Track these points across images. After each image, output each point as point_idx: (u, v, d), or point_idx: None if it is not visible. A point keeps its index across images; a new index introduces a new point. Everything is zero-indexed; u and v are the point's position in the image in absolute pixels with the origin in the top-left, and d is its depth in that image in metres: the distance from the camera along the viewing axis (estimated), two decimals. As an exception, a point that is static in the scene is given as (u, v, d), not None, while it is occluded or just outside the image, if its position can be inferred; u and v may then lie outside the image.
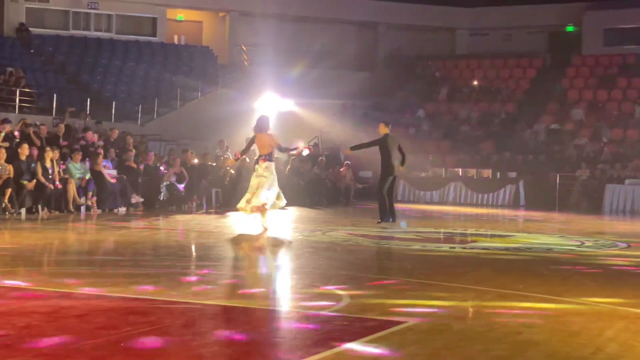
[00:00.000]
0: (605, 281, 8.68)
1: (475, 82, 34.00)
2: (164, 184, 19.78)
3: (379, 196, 15.67)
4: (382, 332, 5.75)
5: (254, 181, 13.16)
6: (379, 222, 15.47)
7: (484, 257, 10.98)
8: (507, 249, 12.15)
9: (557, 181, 25.58)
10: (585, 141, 28.51)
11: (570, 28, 36.26)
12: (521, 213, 22.30)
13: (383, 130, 15.86)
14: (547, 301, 7.24)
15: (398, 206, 23.98)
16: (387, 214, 15.61)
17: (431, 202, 26.49)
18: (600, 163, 26.71)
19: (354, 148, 16.14)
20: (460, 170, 27.37)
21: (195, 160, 21.57)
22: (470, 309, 6.85)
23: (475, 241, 13.41)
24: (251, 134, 14.30)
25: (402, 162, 15.92)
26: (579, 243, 13.18)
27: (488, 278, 8.69)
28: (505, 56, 35.69)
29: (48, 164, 16.94)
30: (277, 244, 12.42)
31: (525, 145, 28.95)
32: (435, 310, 6.67)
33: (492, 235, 14.64)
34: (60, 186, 16.97)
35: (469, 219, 19.42)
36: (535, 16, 36.00)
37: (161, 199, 19.65)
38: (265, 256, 11.05)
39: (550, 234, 15.24)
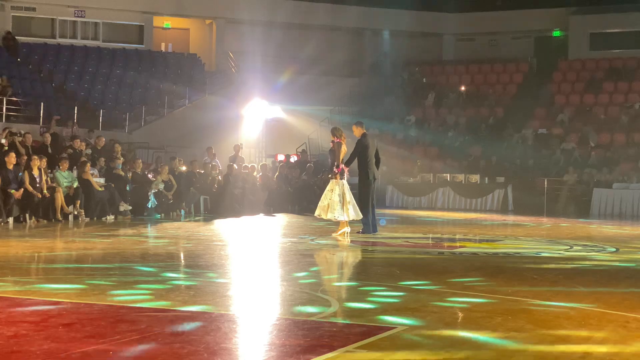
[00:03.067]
0: (594, 285, 8.70)
1: (463, 88, 34.12)
2: (152, 191, 19.74)
3: (364, 208, 14.41)
4: (371, 338, 5.75)
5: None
6: (360, 233, 14.57)
7: (472, 262, 10.99)
8: (495, 253, 12.17)
9: (545, 186, 25.67)
10: (573, 146, 28.64)
11: (556, 33, 36.45)
12: (510, 218, 22.36)
13: (359, 131, 14.80)
14: (536, 305, 7.25)
15: (385, 212, 24.06)
16: (369, 225, 14.58)
17: (420, 208, 26.52)
18: (587, 167, 26.82)
19: (347, 163, 14.52)
20: (448, 175, 27.43)
21: (183, 168, 21.56)
22: (459, 314, 6.85)
23: (463, 246, 13.43)
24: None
25: (377, 166, 14.87)
26: (567, 247, 13.22)
27: (477, 283, 8.70)
28: (492, 61, 35.84)
29: (35, 173, 16.88)
30: (265, 250, 12.42)
31: (513, 150, 29.05)
32: (424, 315, 6.67)
33: (481, 240, 14.66)
34: (48, 195, 16.91)
35: (458, 224, 19.45)
36: (521, 21, 36.18)
37: (149, 206, 19.61)
38: (254, 263, 11.03)
39: (538, 238, 15.28)
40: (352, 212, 14.13)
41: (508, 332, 6.04)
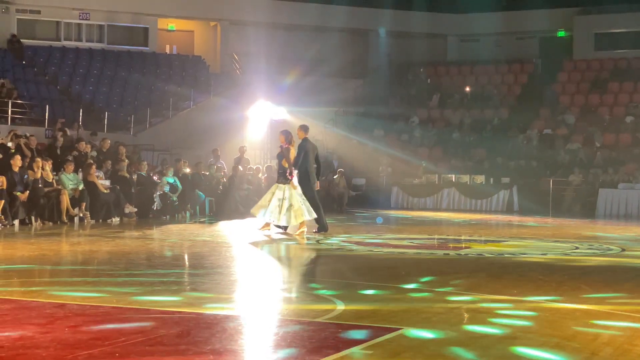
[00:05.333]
0: (600, 285, 8.68)
1: (467, 88, 34.09)
2: (157, 193, 19.76)
3: (315, 205, 14.76)
4: (376, 339, 5.75)
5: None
6: (316, 232, 14.87)
7: (478, 263, 10.98)
8: (501, 254, 12.16)
9: (551, 186, 25.63)
10: (578, 146, 28.59)
11: (561, 33, 36.40)
12: (515, 218, 22.32)
13: (302, 135, 15.17)
14: (542, 306, 7.24)
15: (390, 213, 24.05)
16: (324, 223, 15.04)
17: (425, 209, 26.50)
18: (593, 168, 26.77)
19: (294, 166, 14.68)
20: (453, 176, 27.41)
21: (187, 170, 21.56)
22: (466, 315, 6.84)
23: (469, 247, 13.41)
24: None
25: (317, 173, 15.29)
26: (573, 248, 13.20)
27: (482, 283, 8.69)
28: (497, 62, 35.79)
29: (38, 175, 16.94)
30: (271, 252, 12.42)
31: (518, 151, 29.01)
32: (430, 316, 6.66)
33: (486, 241, 14.65)
34: (53, 188, 16.96)
35: (463, 225, 19.43)
36: (526, 22, 36.14)
37: (155, 208, 19.63)
38: (259, 264, 11.04)
39: (544, 239, 15.25)
40: (303, 212, 14.43)
41: (514, 333, 6.02)
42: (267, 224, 14.74)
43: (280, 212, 14.36)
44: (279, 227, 14.87)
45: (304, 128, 15.37)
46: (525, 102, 32.60)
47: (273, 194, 14.53)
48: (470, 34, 37.64)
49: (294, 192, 14.51)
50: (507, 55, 36.26)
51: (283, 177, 14.56)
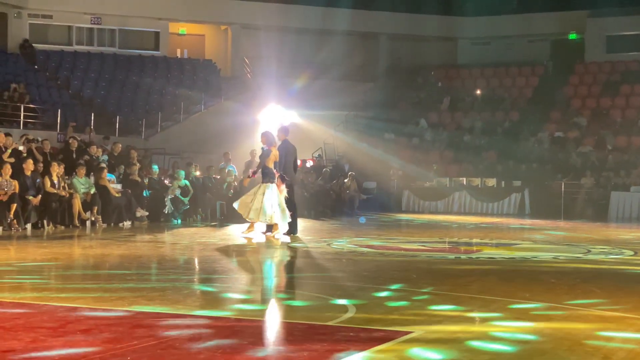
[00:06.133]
0: (612, 289, 8.65)
1: (478, 91, 34.02)
2: (169, 197, 19.80)
3: (292, 207, 14.95)
4: (388, 342, 5.74)
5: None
6: (291, 234, 14.99)
7: (489, 266, 10.95)
8: (512, 257, 12.13)
9: (562, 189, 25.55)
10: (590, 149, 28.49)
11: (572, 36, 36.30)
12: (527, 222, 22.26)
13: (282, 137, 15.35)
14: (554, 309, 7.22)
15: (401, 217, 24.03)
16: (296, 226, 15.21)
17: (436, 212, 26.47)
18: (605, 171, 26.67)
19: (279, 170, 14.84)
20: (464, 179, 27.36)
21: (197, 173, 21.58)
22: (477, 319, 6.83)
23: (480, 250, 13.38)
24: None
25: (294, 174, 15.54)
26: (585, 251, 13.15)
27: (494, 287, 8.67)
28: (508, 65, 35.71)
29: (55, 179, 17.01)
30: (283, 255, 12.42)
31: (530, 154, 28.92)
32: (442, 320, 6.65)
33: (498, 245, 14.61)
34: (66, 195, 17.01)
35: (474, 229, 19.39)
36: (537, 24, 36.05)
37: (166, 212, 19.68)
38: (271, 268, 11.04)
39: (556, 242, 15.20)
40: (277, 217, 14.53)
41: (526, 337, 6.00)
42: (252, 226, 14.74)
43: (273, 212, 14.40)
44: (265, 232, 14.94)
45: (284, 130, 15.59)
46: (537, 105, 32.50)
47: (263, 194, 14.51)
48: (481, 37, 37.58)
49: (275, 193, 14.56)
50: (518, 58, 36.17)
51: (268, 177, 14.57)
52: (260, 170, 14.87)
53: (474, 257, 12.37)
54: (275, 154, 14.75)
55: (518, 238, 16.29)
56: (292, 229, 15.07)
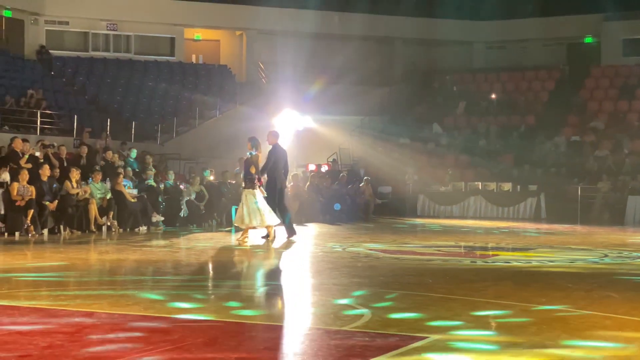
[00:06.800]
0: (630, 294, 8.59)
1: (493, 95, 33.91)
2: (184, 199, 19.86)
3: (284, 212, 15.10)
4: (403, 347, 5.72)
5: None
6: (289, 239, 15.08)
7: (505, 271, 10.91)
8: (529, 262, 12.07)
9: (579, 193, 25.42)
10: (606, 153, 28.32)
11: (588, 39, 36.14)
12: (543, 226, 22.15)
13: (273, 141, 15.41)
14: (571, 314, 7.18)
15: (417, 221, 23.98)
16: (293, 229, 15.27)
17: (451, 217, 26.40)
18: (621, 175, 26.51)
19: (261, 172, 14.96)
20: (480, 184, 27.27)
21: (212, 177, 21.60)
22: (493, 323, 6.80)
23: (496, 255, 13.33)
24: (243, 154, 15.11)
25: (285, 178, 15.60)
26: (602, 255, 13.08)
27: (510, 292, 8.63)
28: (523, 68, 35.59)
29: (75, 184, 17.14)
30: (294, 259, 12.42)
31: (546, 158, 28.80)
32: (457, 324, 6.63)
33: (514, 249, 14.55)
34: (82, 196, 17.12)
35: (490, 233, 19.32)
36: (552, 28, 35.94)
37: (182, 215, 19.73)
38: (286, 273, 11.04)
39: (572, 246, 15.12)
40: (268, 218, 14.61)
41: (543, 342, 5.97)
42: (246, 232, 14.73)
43: (261, 215, 14.49)
44: (265, 236, 14.98)
45: (275, 134, 15.61)
46: (553, 108, 32.33)
47: (248, 200, 14.65)
48: (496, 41, 37.49)
49: (262, 197, 14.66)
50: (534, 62, 36.06)
51: (251, 183, 14.61)
52: (246, 175, 14.97)
53: (489, 261, 12.32)
54: (261, 159, 14.83)
55: (534, 243, 16.21)
56: (289, 232, 15.17)
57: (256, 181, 14.66)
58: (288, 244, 14.51)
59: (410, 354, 5.56)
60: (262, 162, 14.95)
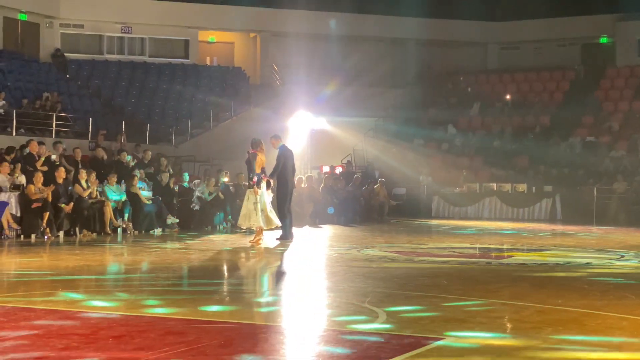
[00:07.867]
0: (646, 295, 8.54)
1: (508, 96, 33.81)
2: (195, 195, 19.92)
3: (284, 214, 15.08)
4: (419, 349, 5.71)
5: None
6: (279, 239, 15.10)
7: (521, 272, 10.86)
8: (544, 263, 12.03)
9: (594, 194, 25.29)
10: (622, 153, 28.18)
11: (603, 39, 35.97)
12: (558, 227, 22.06)
13: (278, 143, 15.49)
14: (587, 316, 7.14)
15: (431, 222, 23.93)
16: (291, 232, 15.33)
17: (466, 218, 26.32)
18: (637, 175, 26.36)
19: (272, 174, 15.10)
20: (494, 185, 27.17)
21: (226, 179, 21.63)
22: (509, 325, 6.78)
23: (511, 256, 13.29)
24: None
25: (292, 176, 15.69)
26: (618, 256, 13.01)
27: (526, 293, 8.60)
28: (538, 69, 35.47)
29: (84, 185, 17.18)
30: (308, 262, 12.42)
31: (561, 159, 28.67)
32: (473, 326, 6.61)
33: (529, 250, 14.50)
34: (95, 197, 17.20)
35: (505, 234, 19.26)
36: (567, 28, 35.79)
37: (193, 209, 19.76)
38: (301, 274, 11.04)
39: (588, 247, 15.05)
40: (271, 219, 14.70)
41: (559, 343, 5.95)
42: (260, 234, 14.71)
43: (257, 215, 14.54)
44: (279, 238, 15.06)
45: (277, 137, 15.71)
46: (568, 109, 32.18)
47: (247, 199, 14.74)
48: (510, 42, 37.38)
49: (261, 198, 14.64)
50: (549, 63, 35.92)
51: (257, 183, 14.66)
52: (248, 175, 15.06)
53: (505, 262, 12.28)
54: (261, 159, 14.83)
55: (550, 244, 16.14)
56: (286, 235, 15.20)
57: (250, 182, 14.74)
58: (286, 245, 14.48)
59: (426, 355, 5.55)
60: (260, 162, 14.87)
